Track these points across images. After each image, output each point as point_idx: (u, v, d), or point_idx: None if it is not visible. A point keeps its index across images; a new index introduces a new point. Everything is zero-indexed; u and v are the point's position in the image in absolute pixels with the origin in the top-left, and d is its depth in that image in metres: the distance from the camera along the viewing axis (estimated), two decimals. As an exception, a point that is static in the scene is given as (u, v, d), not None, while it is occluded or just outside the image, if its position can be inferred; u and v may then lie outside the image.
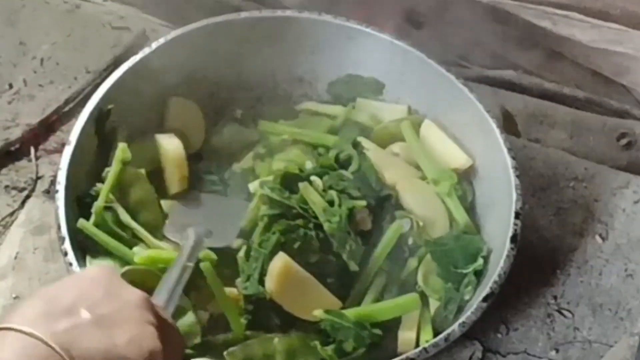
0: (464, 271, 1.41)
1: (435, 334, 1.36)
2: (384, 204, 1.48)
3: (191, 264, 1.32)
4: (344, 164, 1.50)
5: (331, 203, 1.41)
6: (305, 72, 1.68)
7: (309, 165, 1.49)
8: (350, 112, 1.63)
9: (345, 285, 1.41)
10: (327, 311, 1.33)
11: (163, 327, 1.02)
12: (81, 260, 1.32)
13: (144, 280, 1.27)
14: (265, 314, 1.36)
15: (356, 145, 1.52)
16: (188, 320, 1.32)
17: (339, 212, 1.39)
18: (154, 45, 1.56)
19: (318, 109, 1.67)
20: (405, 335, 1.38)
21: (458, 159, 1.54)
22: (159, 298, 1.20)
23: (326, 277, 1.39)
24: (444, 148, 1.56)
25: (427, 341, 1.33)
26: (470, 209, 1.53)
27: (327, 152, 1.54)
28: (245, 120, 1.64)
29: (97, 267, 1.07)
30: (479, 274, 1.41)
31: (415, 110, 1.63)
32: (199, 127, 1.61)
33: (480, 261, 1.41)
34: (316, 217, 1.40)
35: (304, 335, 1.36)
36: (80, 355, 0.92)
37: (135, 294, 1.03)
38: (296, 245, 1.37)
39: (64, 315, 0.94)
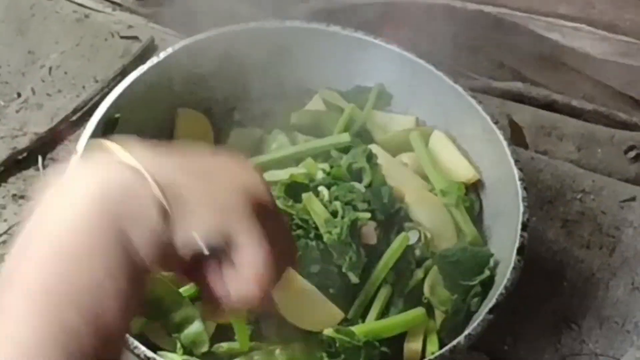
0: (471, 283, 1.41)
1: (442, 346, 1.35)
2: (394, 218, 1.47)
3: None
4: (356, 176, 1.50)
5: (334, 214, 1.40)
6: (313, 83, 1.67)
7: (319, 175, 1.48)
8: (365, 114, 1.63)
9: (348, 297, 1.41)
10: (337, 330, 1.32)
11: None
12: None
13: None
14: (268, 325, 1.36)
15: (370, 157, 1.52)
16: (195, 328, 1.32)
17: (340, 224, 1.38)
18: (162, 54, 1.56)
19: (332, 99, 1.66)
20: (412, 347, 1.38)
21: (465, 172, 1.54)
22: None
23: (328, 287, 1.38)
24: (452, 160, 1.56)
25: (432, 353, 1.33)
26: (477, 220, 1.53)
27: (340, 158, 1.53)
28: (246, 122, 1.64)
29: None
30: (485, 286, 1.40)
31: (423, 122, 1.63)
32: (208, 137, 1.61)
33: (487, 273, 1.40)
34: (317, 228, 1.39)
35: (306, 347, 1.35)
36: (170, 184, 0.80)
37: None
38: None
39: (160, 151, 0.83)
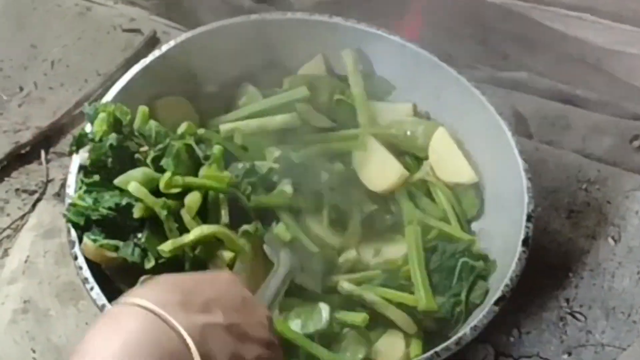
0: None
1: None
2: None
3: (284, 287, 1.28)
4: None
5: None
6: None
7: None
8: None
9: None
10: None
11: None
12: (93, 265, 1.32)
13: None
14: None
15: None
16: None
17: None
18: (164, 47, 1.55)
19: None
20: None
21: (464, 174, 1.53)
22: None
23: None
24: (452, 160, 1.55)
25: (416, 356, 1.35)
26: (479, 213, 1.53)
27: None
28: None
29: (230, 273, 1.05)
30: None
31: (426, 113, 1.62)
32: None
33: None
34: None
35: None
36: (211, 355, 0.88)
37: (264, 311, 1.01)
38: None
39: (200, 310, 0.90)
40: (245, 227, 1.36)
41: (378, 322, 1.40)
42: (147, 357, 0.83)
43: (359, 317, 1.37)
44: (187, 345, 0.86)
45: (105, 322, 0.86)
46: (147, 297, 0.88)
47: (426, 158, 1.57)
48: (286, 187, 1.43)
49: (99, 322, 0.86)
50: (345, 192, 1.50)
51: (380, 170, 1.52)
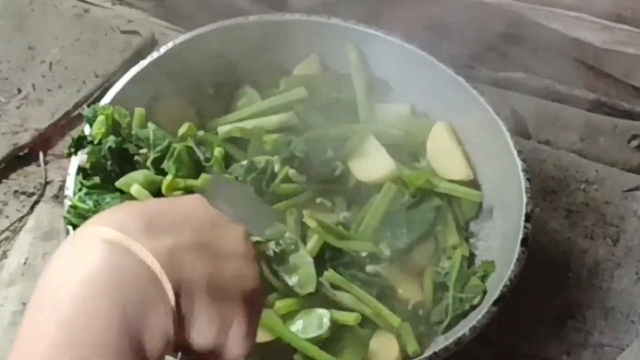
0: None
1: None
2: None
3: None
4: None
5: None
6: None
7: None
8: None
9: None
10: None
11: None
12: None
13: None
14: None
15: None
16: None
17: None
18: (163, 49, 1.55)
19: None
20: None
21: (460, 171, 1.53)
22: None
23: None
24: (448, 157, 1.55)
25: (415, 352, 1.36)
26: (477, 214, 1.53)
27: None
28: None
29: (198, 195, 0.92)
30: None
31: (424, 114, 1.62)
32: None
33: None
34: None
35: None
36: (183, 279, 0.80)
37: (237, 227, 0.91)
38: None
39: (167, 232, 0.82)
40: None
41: (367, 321, 1.40)
42: (112, 291, 0.75)
43: (351, 317, 1.37)
44: (154, 271, 0.78)
45: (65, 256, 0.78)
46: (109, 223, 0.79)
47: (424, 156, 1.57)
48: (290, 173, 1.44)
49: (59, 255, 0.79)
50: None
51: (372, 163, 1.52)
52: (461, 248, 1.48)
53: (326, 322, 1.36)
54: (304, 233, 1.44)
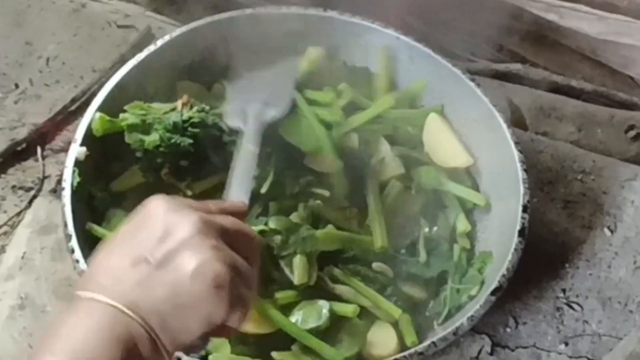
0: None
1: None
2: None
3: (257, 149, 1.33)
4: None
5: None
6: (311, 68, 1.67)
7: None
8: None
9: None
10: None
11: (230, 238, 0.99)
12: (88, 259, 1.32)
13: None
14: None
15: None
16: None
17: None
18: (159, 42, 1.56)
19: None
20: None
21: (459, 157, 1.53)
22: (231, 192, 1.21)
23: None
24: (446, 145, 1.55)
25: (413, 342, 1.36)
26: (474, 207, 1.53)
27: None
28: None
29: (152, 200, 1.01)
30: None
31: (421, 105, 1.62)
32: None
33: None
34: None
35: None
36: (151, 309, 0.92)
37: (191, 220, 0.97)
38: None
39: (129, 272, 0.94)
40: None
41: (364, 312, 1.41)
42: (107, 347, 0.90)
43: (349, 308, 1.37)
44: (131, 317, 0.91)
45: (64, 321, 0.93)
46: (91, 287, 0.94)
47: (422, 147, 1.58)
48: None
49: (59, 321, 0.93)
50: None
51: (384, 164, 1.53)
52: (462, 240, 1.49)
53: (325, 313, 1.36)
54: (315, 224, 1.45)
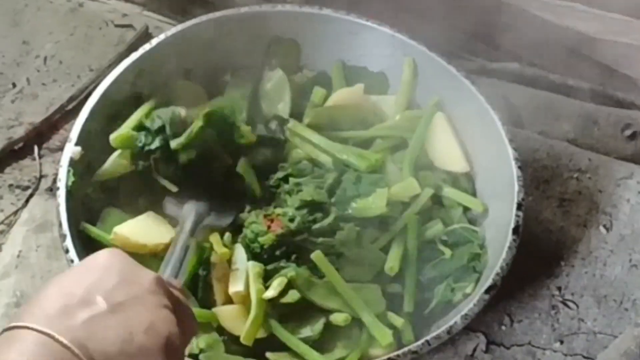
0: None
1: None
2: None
3: (193, 240, 1.35)
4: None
5: None
6: (306, 66, 1.67)
7: None
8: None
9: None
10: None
11: (176, 307, 1.01)
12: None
13: None
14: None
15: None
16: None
17: None
18: (155, 41, 1.56)
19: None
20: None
21: (456, 163, 1.54)
22: (165, 275, 1.21)
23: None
24: (446, 148, 1.55)
25: (409, 341, 1.36)
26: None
27: None
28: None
29: (108, 251, 1.01)
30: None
31: (417, 104, 1.62)
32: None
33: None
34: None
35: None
36: (98, 350, 0.90)
37: (148, 277, 0.99)
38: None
39: (80, 307, 0.92)
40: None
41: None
42: None
43: (340, 317, 1.37)
44: (72, 349, 0.88)
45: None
46: (32, 317, 0.90)
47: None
48: None
49: None
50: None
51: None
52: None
53: (321, 323, 1.37)
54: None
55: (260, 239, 1.39)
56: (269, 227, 1.40)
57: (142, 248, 1.39)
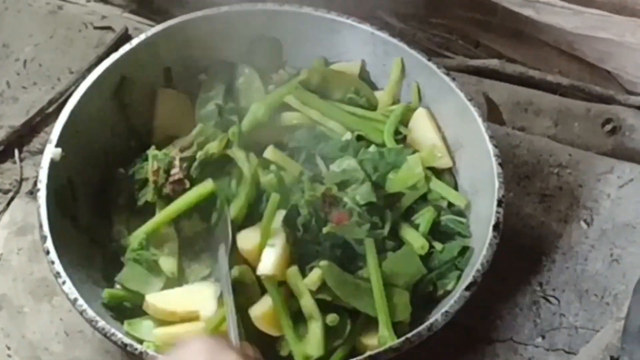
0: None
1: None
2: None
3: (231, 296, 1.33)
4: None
5: None
6: (287, 65, 1.67)
7: None
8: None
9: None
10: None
11: None
12: (70, 270, 1.33)
13: None
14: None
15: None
16: None
17: None
18: (135, 41, 1.56)
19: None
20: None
21: (441, 158, 1.53)
22: (234, 342, 1.23)
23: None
24: (429, 144, 1.54)
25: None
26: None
27: None
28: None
29: (199, 340, 1.10)
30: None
31: (397, 100, 1.62)
32: (189, 116, 1.60)
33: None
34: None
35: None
36: None
37: (233, 357, 1.07)
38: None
39: None
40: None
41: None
42: None
43: (328, 319, 1.37)
44: None
45: None
46: None
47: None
48: None
49: None
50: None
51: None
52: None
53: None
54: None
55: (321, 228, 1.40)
56: (327, 213, 1.41)
57: (171, 316, 1.39)
